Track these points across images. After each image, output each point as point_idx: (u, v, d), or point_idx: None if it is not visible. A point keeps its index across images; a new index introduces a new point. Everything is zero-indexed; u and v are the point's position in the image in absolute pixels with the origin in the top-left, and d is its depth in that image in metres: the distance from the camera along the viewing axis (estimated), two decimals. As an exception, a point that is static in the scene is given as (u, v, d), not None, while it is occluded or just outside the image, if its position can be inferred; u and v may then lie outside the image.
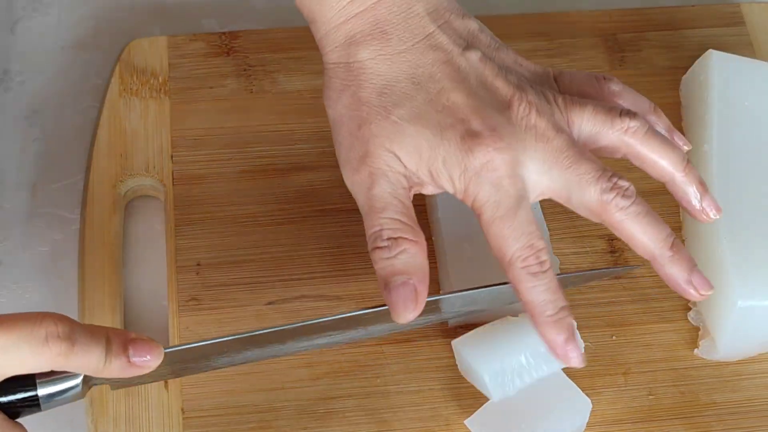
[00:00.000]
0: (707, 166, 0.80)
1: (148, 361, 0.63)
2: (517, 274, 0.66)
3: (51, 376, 0.62)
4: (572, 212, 0.82)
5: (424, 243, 0.68)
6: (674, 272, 0.69)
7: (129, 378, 0.64)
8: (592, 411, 0.74)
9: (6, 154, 0.86)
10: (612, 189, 0.68)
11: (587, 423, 0.74)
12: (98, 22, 0.93)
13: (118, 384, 0.66)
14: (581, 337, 0.76)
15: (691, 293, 0.69)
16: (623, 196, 0.68)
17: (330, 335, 0.69)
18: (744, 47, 0.90)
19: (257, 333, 0.67)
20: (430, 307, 0.69)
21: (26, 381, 0.62)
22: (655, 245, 0.68)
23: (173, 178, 0.83)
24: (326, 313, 0.78)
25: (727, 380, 0.78)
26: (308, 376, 0.77)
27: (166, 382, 0.76)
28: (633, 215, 0.68)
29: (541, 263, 0.66)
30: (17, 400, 0.62)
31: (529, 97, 0.69)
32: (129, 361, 0.62)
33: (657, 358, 0.78)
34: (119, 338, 0.62)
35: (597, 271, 0.79)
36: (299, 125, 0.86)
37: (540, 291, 0.66)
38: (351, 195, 0.82)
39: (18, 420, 0.63)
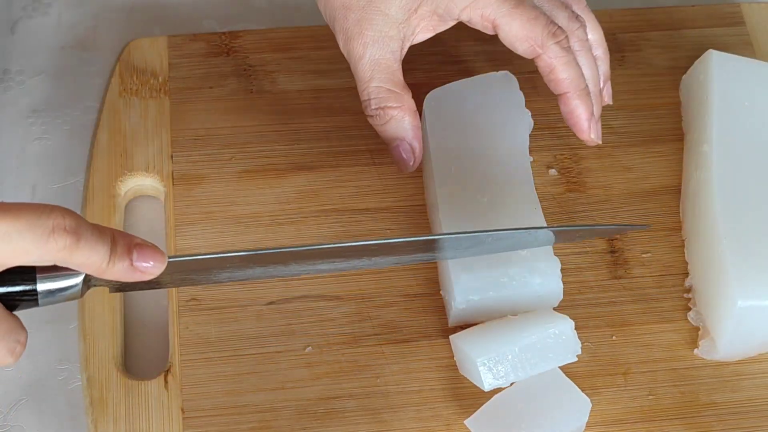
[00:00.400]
0: (707, 166, 0.80)
1: (151, 267, 0.62)
2: (552, 53, 0.75)
3: (52, 272, 0.61)
4: (572, 213, 0.83)
5: (409, 103, 0.77)
6: (579, 105, 0.77)
7: (128, 283, 0.64)
8: (592, 411, 0.74)
9: (6, 154, 0.86)
10: (556, 33, 0.75)
11: (587, 423, 0.74)
12: (98, 22, 0.93)
13: (116, 287, 0.65)
14: (581, 337, 0.77)
15: (585, 128, 0.78)
16: (562, 46, 0.76)
17: (333, 262, 0.70)
18: (744, 47, 0.90)
19: (261, 252, 0.67)
20: (430, 246, 0.73)
21: (26, 275, 0.61)
22: (572, 82, 0.76)
23: (173, 178, 0.83)
24: (327, 314, 0.78)
25: (727, 380, 0.78)
26: (308, 376, 0.77)
27: (166, 382, 0.76)
28: (565, 60, 0.76)
29: (566, 38, 0.76)
30: (15, 292, 0.61)
31: None
32: (132, 265, 0.62)
33: (657, 358, 0.78)
34: (124, 240, 0.62)
35: (602, 227, 0.81)
36: (299, 125, 0.86)
37: (574, 65, 0.76)
38: (351, 195, 0.83)
39: (14, 313, 0.62)
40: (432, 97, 0.82)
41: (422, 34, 0.78)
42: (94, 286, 0.64)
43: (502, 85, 0.82)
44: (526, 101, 0.82)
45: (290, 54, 0.89)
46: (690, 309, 0.80)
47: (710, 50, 0.85)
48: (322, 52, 0.89)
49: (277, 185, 0.83)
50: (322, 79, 0.87)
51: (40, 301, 0.62)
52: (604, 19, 0.91)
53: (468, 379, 0.75)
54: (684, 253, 0.82)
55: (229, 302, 0.79)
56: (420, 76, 0.85)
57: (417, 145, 0.78)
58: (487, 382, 0.73)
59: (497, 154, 0.80)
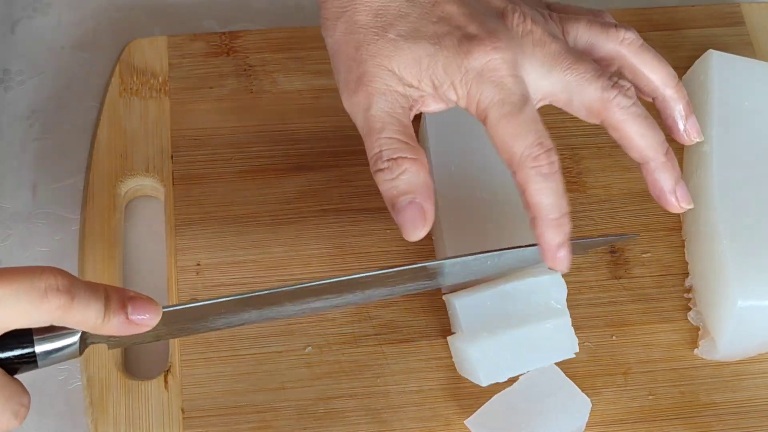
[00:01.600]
0: (707, 166, 0.80)
1: (147, 319, 0.62)
2: (526, 175, 0.66)
3: (49, 332, 0.62)
4: (572, 212, 0.82)
5: (425, 159, 0.68)
6: (663, 178, 0.70)
7: (126, 337, 0.63)
8: (592, 411, 0.74)
9: (6, 154, 0.86)
10: (613, 87, 0.68)
11: (587, 423, 0.74)
12: (98, 22, 0.93)
13: (114, 343, 0.65)
14: (581, 337, 0.77)
15: (673, 202, 0.71)
16: (625, 95, 0.68)
17: (327, 298, 0.69)
18: (744, 47, 0.90)
19: (255, 295, 0.67)
20: (429, 273, 0.70)
21: (24, 338, 0.61)
22: (651, 148, 0.69)
23: (173, 178, 0.83)
24: (327, 314, 0.78)
25: (727, 380, 0.78)
26: (308, 376, 0.77)
27: (166, 382, 0.76)
28: (633, 116, 0.68)
29: (551, 163, 0.66)
30: (15, 356, 0.61)
31: (523, 8, 0.70)
32: (127, 319, 0.62)
33: (657, 358, 0.78)
34: (118, 295, 0.62)
35: (598, 239, 0.79)
36: (299, 125, 0.86)
37: (548, 193, 0.67)
38: (351, 195, 0.83)
39: (16, 377, 0.62)
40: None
41: (426, 108, 0.70)
42: (92, 343, 0.64)
43: None
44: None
45: (290, 54, 0.89)
46: (690, 309, 0.80)
47: (710, 50, 0.85)
48: (322, 52, 0.88)
49: (277, 185, 0.83)
50: (322, 79, 0.87)
51: (39, 363, 0.62)
52: (604, 19, 0.91)
53: (468, 379, 0.75)
54: (684, 253, 0.82)
55: (229, 302, 0.79)
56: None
57: (429, 208, 0.68)
58: (484, 377, 0.73)
59: (498, 158, 0.80)
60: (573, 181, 0.84)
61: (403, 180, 0.67)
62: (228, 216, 0.82)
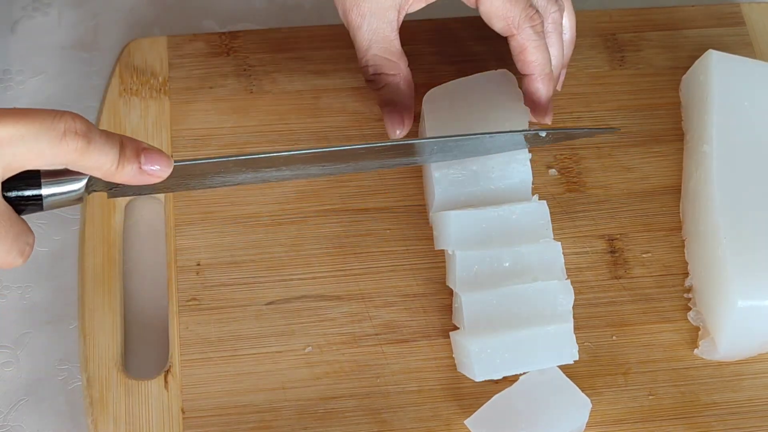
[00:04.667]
0: (707, 166, 0.80)
1: (158, 170, 0.65)
2: (525, 34, 0.78)
3: (56, 176, 0.64)
4: (572, 212, 0.83)
5: (405, 72, 0.80)
6: (542, 87, 0.80)
7: (127, 188, 0.67)
8: (592, 411, 0.74)
9: (6, 154, 0.86)
10: (534, 16, 0.78)
11: (587, 423, 0.74)
12: (98, 22, 0.93)
13: (114, 192, 0.68)
14: (581, 337, 0.77)
15: (542, 104, 0.80)
16: (539, 25, 0.79)
17: (323, 166, 0.74)
18: (744, 47, 0.90)
19: (255, 157, 0.70)
20: (415, 149, 0.77)
21: (32, 179, 0.63)
22: (539, 65, 0.79)
23: (173, 178, 0.83)
24: (327, 314, 0.78)
25: (727, 380, 0.78)
26: (308, 376, 0.77)
27: (166, 382, 0.76)
28: (538, 42, 0.79)
29: (542, 22, 0.78)
30: (22, 197, 0.63)
31: None
32: (140, 168, 0.65)
33: (657, 358, 0.78)
34: (133, 145, 0.65)
35: (577, 130, 0.84)
36: (299, 125, 0.86)
37: (543, 49, 0.78)
38: (351, 195, 0.83)
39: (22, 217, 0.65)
40: (430, 96, 0.82)
41: (417, 4, 0.80)
42: (94, 191, 0.66)
43: (501, 83, 0.82)
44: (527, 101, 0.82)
45: (290, 54, 0.89)
46: (690, 309, 0.80)
47: (710, 50, 0.85)
48: (322, 52, 0.89)
49: (277, 185, 0.83)
50: (322, 79, 0.87)
51: (44, 205, 0.64)
52: (604, 19, 0.91)
53: (468, 379, 0.75)
54: (684, 253, 0.82)
55: (229, 302, 0.79)
56: (420, 76, 0.85)
57: (408, 113, 0.81)
58: (479, 372, 0.73)
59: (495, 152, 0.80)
60: (573, 181, 0.84)
61: (385, 92, 0.80)
62: (228, 216, 0.82)
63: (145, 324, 0.80)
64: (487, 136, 0.76)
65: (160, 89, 0.86)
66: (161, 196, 0.83)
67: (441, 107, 0.81)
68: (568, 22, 0.83)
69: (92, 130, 0.63)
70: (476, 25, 0.90)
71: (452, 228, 0.76)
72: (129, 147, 0.65)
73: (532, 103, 0.81)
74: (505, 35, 0.79)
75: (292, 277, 0.80)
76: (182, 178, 0.69)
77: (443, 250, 0.79)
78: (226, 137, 0.85)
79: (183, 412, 0.75)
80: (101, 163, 0.63)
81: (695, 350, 0.79)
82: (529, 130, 0.78)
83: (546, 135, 0.78)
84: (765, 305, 0.75)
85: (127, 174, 0.65)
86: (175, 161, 0.67)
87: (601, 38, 0.91)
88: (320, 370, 0.77)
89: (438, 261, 0.80)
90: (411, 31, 0.83)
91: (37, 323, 0.80)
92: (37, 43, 0.91)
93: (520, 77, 0.82)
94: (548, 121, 0.81)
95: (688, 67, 0.88)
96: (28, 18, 0.92)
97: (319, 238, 0.81)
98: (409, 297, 0.79)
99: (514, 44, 0.79)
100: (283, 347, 0.77)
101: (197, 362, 0.77)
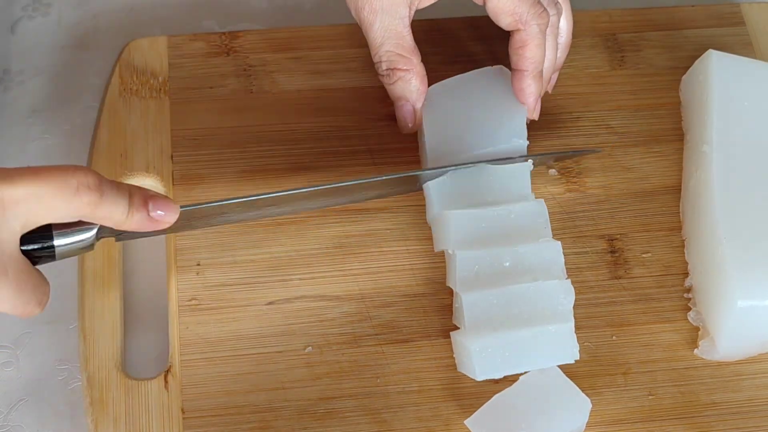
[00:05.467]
0: (707, 166, 0.80)
1: (165, 216, 0.69)
2: (531, 31, 0.79)
3: (67, 228, 0.67)
4: (572, 212, 0.83)
5: (418, 66, 0.81)
6: (533, 84, 0.81)
7: (135, 233, 0.69)
8: (592, 411, 0.74)
9: (6, 154, 0.86)
10: (541, 14, 0.79)
11: (587, 423, 0.74)
12: (98, 22, 0.93)
13: (122, 237, 0.71)
14: (581, 337, 0.77)
15: (531, 103, 0.81)
16: (544, 24, 0.80)
17: (319, 200, 0.78)
18: (744, 47, 0.90)
19: (257, 198, 0.74)
20: (413, 180, 0.80)
21: (44, 232, 0.67)
22: (533, 62, 0.80)
23: (173, 178, 0.83)
24: (327, 314, 0.78)
25: (727, 380, 0.78)
26: (308, 376, 0.77)
27: (166, 382, 0.76)
28: (539, 40, 0.80)
29: (546, 22, 0.80)
30: (36, 249, 0.66)
31: None
32: (149, 216, 0.68)
33: (657, 358, 0.78)
34: (140, 193, 0.68)
35: (567, 153, 0.85)
36: (299, 125, 0.86)
37: (543, 47, 0.80)
38: (351, 195, 0.83)
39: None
40: (429, 92, 0.82)
41: (427, 0, 0.81)
42: (103, 237, 0.69)
43: (498, 79, 0.83)
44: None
45: (290, 54, 0.89)
46: (690, 309, 0.80)
47: (710, 50, 0.85)
48: (322, 52, 0.89)
49: (277, 185, 0.83)
50: (322, 79, 0.87)
51: (57, 255, 0.68)
52: (604, 19, 0.91)
53: (468, 379, 0.75)
54: (684, 253, 0.82)
55: (229, 302, 0.79)
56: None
57: (418, 108, 0.82)
58: (479, 371, 0.73)
59: (495, 148, 0.80)
60: (573, 181, 0.84)
61: (398, 86, 0.81)
62: (228, 216, 0.82)
63: (145, 324, 0.80)
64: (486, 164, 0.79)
65: (160, 89, 0.86)
66: (161, 196, 0.83)
67: (439, 103, 0.82)
68: (565, 25, 0.83)
69: (103, 182, 0.66)
70: (476, 25, 0.90)
71: (451, 228, 0.76)
72: (137, 196, 0.68)
73: (521, 98, 0.81)
74: (509, 30, 0.80)
75: (292, 277, 0.80)
76: (187, 221, 0.72)
77: (443, 250, 0.79)
78: (226, 137, 0.85)
79: (183, 412, 0.75)
80: (113, 214, 0.66)
81: (695, 350, 0.79)
82: (520, 157, 0.80)
83: (533, 162, 0.80)
84: (765, 305, 0.75)
85: (137, 222, 0.68)
86: (181, 206, 0.70)
87: (601, 38, 0.91)
88: (320, 370, 0.77)
89: (438, 261, 0.80)
90: (411, 31, 0.83)
91: (37, 323, 0.80)
92: (37, 43, 0.91)
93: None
94: (535, 117, 0.82)
95: (688, 67, 0.88)
96: (28, 18, 0.92)
97: (319, 238, 0.81)
98: (409, 297, 0.79)
99: (516, 38, 0.80)
100: (283, 347, 0.77)
101: (197, 362, 0.77)
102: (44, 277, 0.68)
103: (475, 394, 0.75)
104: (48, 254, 0.67)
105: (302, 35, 0.90)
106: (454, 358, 0.77)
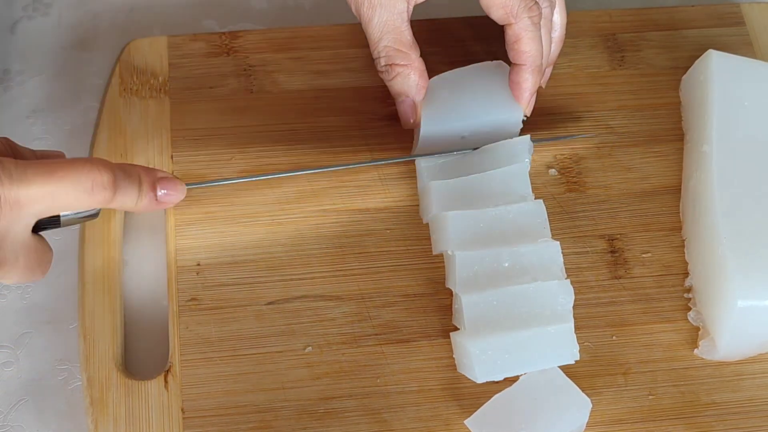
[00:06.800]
0: (707, 166, 0.80)
1: (173, 197, 0.71)
2: (523, 24, 0.79)
3: None
4: (572, 212, 0.83)
5: (417, 62, 0.81)
6: (530, 78, 0.81)
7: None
8: (592, 411, 0.74)
9: (6, 154, 0.86)
10: (533, 7, 0.79)
11: (587, 423, 0.74)
12: (98, 22, 0.93)
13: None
14: (581, 337, 0.77)
15: (526, 98, 0.81)
16: (537, 16, 0.80)
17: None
18: (744, 47, 0.90)
19: (258, 178, 0.77)
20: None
21: None
22: (531, 56, 0.80)
23: (173, 178, 0.83)
24: (327, 314, 0.78)
25: (727, 380, 0.78)
26: (308, 376, 0.77)
27: (166, 382, 0.76)
28: (534, 33, 0.80)
29: (539, 14, 0.79)
30: (42, 220, 0.67)
31: None
32: (156, 198, 0.70)
33: (657, 358, 0.78)
34: (149, 178, 0.70)
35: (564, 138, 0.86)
36: (299, 125, 0.86)
37: (538, 41, 0.80)
38: (351, 195, 0.83)
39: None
40: (428, 85, 0.82)
41: None
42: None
43: (496, 73, 0.83)
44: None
45: (290, 54, 0.89)
46: (690, 309, 0.80)
47: (710, 50, 0.85)
48: (322, 52, 0.89)
49: (277, 185, 0.83)
50: (322, 79, 0.87)
51: (62, 224, 0.68)
52: (604, 19, 0.91)
53: (468, 379, 0.75)
54: (684, 253, 0.82)
55: (229, 302, 0.79)
56: (420, 76, 0.85)
57: (419, 102, 0.82)
58: (480, 374, 0.73)
59: (491, 141, 0.81)
60: (573, 181, 0.84)
61: (397, 82, 0.81)
62: (228, 216, 0.82)
63: (145, 324, 0.80)
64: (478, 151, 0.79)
65: (160, 89, 0.86)
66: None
67: (439, 96, 0.82)
68: (559, 19, 0.83)
69: (117, 177, 0.67)
70: (476, 25, 0.90)
71: (450, 229, 0.76)
72: (146, 182, 0.69)
73: (517, 94, 0.82)
74: (502, 24, 0.80)
75: (292, 277, 0.80)
76: None
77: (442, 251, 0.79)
78: (226, 137, 0.85)
79: (183, 412, 0.75)
80: (124, 204, 0.68)
81: (695, 350, 0.79)
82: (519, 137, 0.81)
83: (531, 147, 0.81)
84: (765, 305, 0.75)
85: (145, 205, 0.70)
86: (187, 185, 0.72)
87: (601, 38, 0.91)
88: (320, 370, 0.77)
89: (438, 261, 0.80)
90: (410, 26, 0.83)
91: (37, 323, 0.80)
92: (37, 43, 0.91)
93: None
94: (528, 112, 0.83)
95: (688, 67, 0.88)
96: (28, 18, 0.92)
97: (319, 238, 0.81)
98: (409, 297, 0.79)
99: (510, 33, 0.80)
100: (283, 347, 0.77)
101: (197, 362, 0.77)
102: (48, 245, 0.69)
103: (475, 394, 0.75)
104: (53, 223, 0.68)
105: (302, 35, 0.90)
106: (453, 359, 0.77)
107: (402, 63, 0.81)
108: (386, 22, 0.80)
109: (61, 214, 0.68)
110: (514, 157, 0.80)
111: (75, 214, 0.68)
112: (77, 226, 0.82)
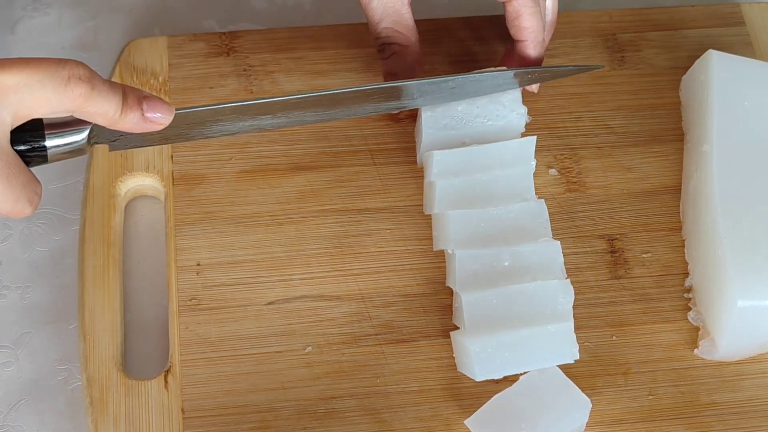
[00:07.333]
0: (707, 166, 0.80)
1: (160, 117, 0.68)
2: (522, 1, 0.79)
3: (59, 128, 0.67)
4: (572, 212, 0.83)
5: (415, 45, 0.81)
6: (533, 54, 0.81)
7: (130, 138, 0.69)
8: (592, 411, 0.74)
9: (6, 154, 0.86)
10: None
11: (587, 423, 0.74)
12: (98, 22, 0.93)
13: (116, 145, 0.70)
14: (581, 337, 0.77)
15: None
16: None
17: (317, 112, 0.76)
18: (744, 47, 0.90)
19: (251, 103, 0.73)
20: (405, 92, 0.79)
21: (36, 132, 0.66)
22: (533, 32, 0.80)
23: (173, 178, 0.83)
24: (327, 314, 0.78)
25: (727, 380, 0.78)
26: (308, 376, 0.77)
27: (166, 382, 0.76)
28: (533, 9, 0.80)
29: None
30: (27, 149, 0.66)
31: None
32: (143, 116, 0.67)
33: (657, 358, 0.78)
34: (135, 93, 0.67)
35: (563, 68, 0.85)
36: (299, 125, 0.85)
37: (538, 17, 0.80)
38: (351, 195, 0.83)
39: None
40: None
41: None
42: (97, 143, 0.69)
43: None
44: (524, 100, 0.82)
45: (290, 54, 0.89)
46: (690, 309, 0.80)
47: (710, 50, 0.85)
48: (322, 52, 0.89)
49: (277, 185, 0.83)
50: (322, 79, 0.87)
51: (49, 157, 0.67)
52: (604, 19, 0.91)
53: (468, 379, 0.75)
54: (684, 253, 0.82)
55: (229, 302, 0.79)
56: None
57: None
58: (479, 372, 0.73)
59: (494, 147, 0.80)
60: (573, 181, 0.84)
61: (392, 60, 0.82)
62: (228, 216, 0.82)
63: (145, 324, 0.80)
64: (475, 75, 0.79)
65: (160, 89, 0.86)
66: (161, 195, 0.83)
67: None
68: (551, 4, 0.83)
69: (95, 76, 0.64)
70: (476, 25, 0.90)
71: (451, 228, 0.76)
72: (131, 95, 0.66)
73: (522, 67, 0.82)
74: (501, 0, 0.80)
75: (292, 277, 0.80)
76: (181, 128, 0.72)
77: (443, 250, 0.79)
78: (226, 137, 0.84)
79: (183, 412, 0.75)
80: (105, 109, 0.65)
81: (695, 350, 0.79)
82: (517, 69, 0.80)
83: (532, 75, 0.81)
84: (765, 305, 0.75)
85: (130, 121, 0.67)
86: (176, 109, 0.69)
87: (601, 38, 0.91)
88: (320, 370, 0.77)
89: (438, 261, 0.80)
90: (411, 10, 0.83)
91: (37, 323, 0.80)
92: (37, 43, 0.91)
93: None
94: (534, 90, 0.83)
95: (688, 67, 0.88)
96: (28, 18, 0.92)
97: (319, 238, 0.81)
98: (409, 297, 0.79)
99: (510, 10, 0.80)
100: (283, 347, 0.77)
101: (197, 362, 0.77)
102: (35, 177, 0.66)
103: (475, 394, 0.75)
104: (40, 156, 0.66)
105: (302, 35, 0.90)
106: (454, 358, 0.77)
107: (400, 43, 0.81)
108: (387, 3, 0.80)
109: (47, 144, 0.66)
110: (521, 158, 0.79)
111: (61, 138, 0.66)
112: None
